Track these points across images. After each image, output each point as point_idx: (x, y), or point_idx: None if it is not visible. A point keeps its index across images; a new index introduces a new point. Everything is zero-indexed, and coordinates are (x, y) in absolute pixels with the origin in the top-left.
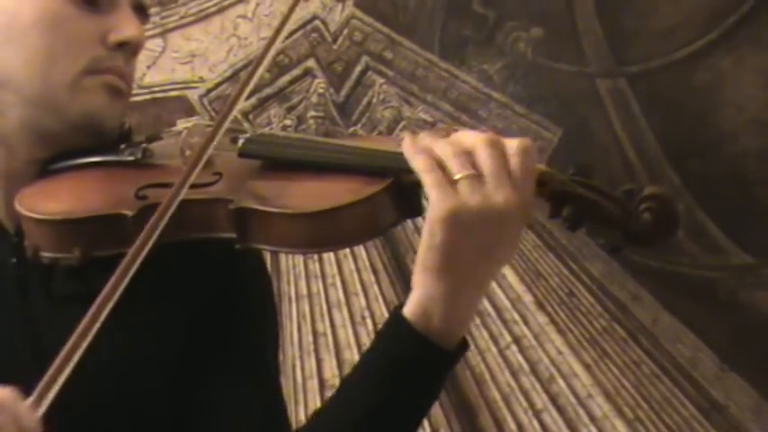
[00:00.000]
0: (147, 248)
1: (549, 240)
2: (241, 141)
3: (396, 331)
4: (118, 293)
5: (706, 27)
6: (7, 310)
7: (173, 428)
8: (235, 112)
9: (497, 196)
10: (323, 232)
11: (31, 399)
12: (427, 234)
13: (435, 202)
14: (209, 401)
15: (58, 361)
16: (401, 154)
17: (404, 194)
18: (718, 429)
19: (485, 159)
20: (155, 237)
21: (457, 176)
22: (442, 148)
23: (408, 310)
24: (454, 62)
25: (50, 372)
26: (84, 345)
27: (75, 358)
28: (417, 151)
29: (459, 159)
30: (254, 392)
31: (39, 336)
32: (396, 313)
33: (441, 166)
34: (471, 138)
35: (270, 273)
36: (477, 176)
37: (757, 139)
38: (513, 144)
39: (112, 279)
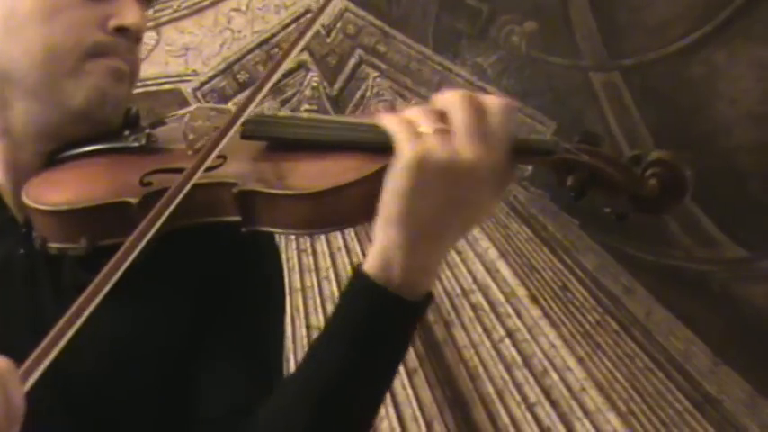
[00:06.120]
0: (148, 235)
1: (543, 234)
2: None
3: (356, 286)
4: (116, 277)
5: (700, 21)
6: (16, 301)
7: (173, 409)
8: (251, 110)
9: (467, 151)
10: (327, 212)
11: (21, 369)
12: (391, 182)
13: (402, 150)
14: (204, 382)
15: (48, 338)
16: None
17: None
18: (711, 423)
19: (457, 116)
20: (157, 225)
21: (426, 130)
22: (412, 110)
23: (368, 263)
24: (448, 55)
25: (41, 347)
26: (77, 324)
27: (68, 337)
28: (391, 116)
29: (429, 117)
30: (248, 376)
31: (47, 327)
32: (356, 268)
33: (412, 125)
34: (445, 97)
35: (280, 254)
36: (446, 131)
37: (751, 132)
38: (491, 103)
39: (110, 262)
